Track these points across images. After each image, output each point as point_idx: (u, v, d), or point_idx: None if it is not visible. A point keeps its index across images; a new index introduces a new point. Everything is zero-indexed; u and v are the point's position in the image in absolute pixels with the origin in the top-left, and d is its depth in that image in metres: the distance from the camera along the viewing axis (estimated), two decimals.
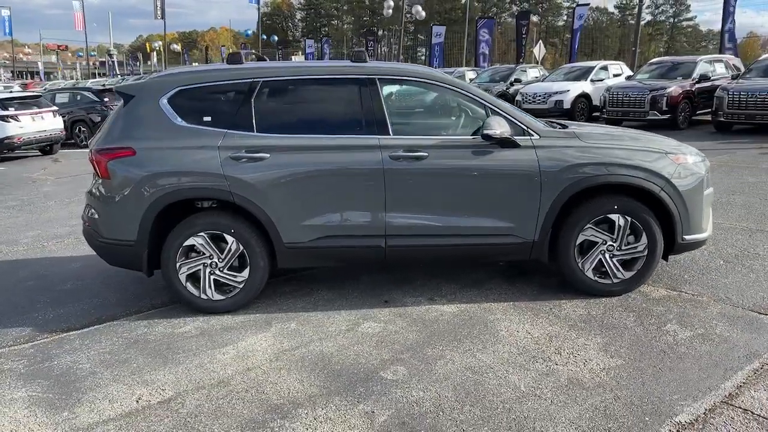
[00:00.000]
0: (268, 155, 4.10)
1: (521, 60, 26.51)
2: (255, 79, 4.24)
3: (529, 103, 16.99)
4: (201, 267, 4.21)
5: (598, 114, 16.07)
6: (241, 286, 4.25)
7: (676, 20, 79.23)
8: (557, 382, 3.21)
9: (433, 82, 4.37)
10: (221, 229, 4.16)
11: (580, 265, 4.27)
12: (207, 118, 4.21)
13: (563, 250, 4.24)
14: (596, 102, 16.73)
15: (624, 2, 78.51)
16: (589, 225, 4.20)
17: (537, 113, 6.21)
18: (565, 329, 3.84)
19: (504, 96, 17.70)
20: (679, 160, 4.28)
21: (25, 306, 4.61)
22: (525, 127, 4.21)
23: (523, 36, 25.98)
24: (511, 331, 3.84)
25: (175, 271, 4.19)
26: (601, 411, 2.94)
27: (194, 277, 4.23)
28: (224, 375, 3.41)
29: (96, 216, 4.30)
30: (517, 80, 19.60)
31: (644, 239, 4.21)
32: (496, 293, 4.47)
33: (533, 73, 21.27)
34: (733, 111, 13.09)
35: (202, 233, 4.15)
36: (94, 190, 4.34)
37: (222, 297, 4.27)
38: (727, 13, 19.06)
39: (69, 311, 4.48)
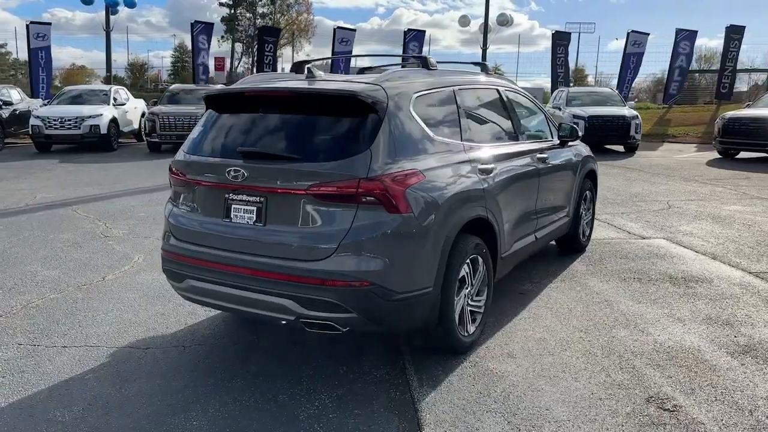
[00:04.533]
0: (494, 166, 3.95)
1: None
2: (454, 87, 3.94)
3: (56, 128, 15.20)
4: (464, 299, 3.65)
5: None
6: (482, 311, 3.87)
7: None
8: (747, 297, 4.63)
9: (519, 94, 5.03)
10: (478, 252, 3.72)
11: (581, 228, 5.81)
12: (446, 130, 3.67)
13: (576, 220, 5.67)
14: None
15: None
16: (582, 199, 5.80)
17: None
18: (644, 280, 5.08)
19: None
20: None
21: None
22: None
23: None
24: (638, 293, 4.94)
25: (453, 311, 3.49)
26: None
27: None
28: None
29: (389, 267, 3.05)
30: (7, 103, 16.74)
31: (591, 204, 6.12)
32: (548, 271, 5.25)
33: (15, 95, 18.10)
34: None
35: (467, 260, 3.62)
36: (378, 234, 3.05)
37: (473, 329, 3.78)
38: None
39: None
